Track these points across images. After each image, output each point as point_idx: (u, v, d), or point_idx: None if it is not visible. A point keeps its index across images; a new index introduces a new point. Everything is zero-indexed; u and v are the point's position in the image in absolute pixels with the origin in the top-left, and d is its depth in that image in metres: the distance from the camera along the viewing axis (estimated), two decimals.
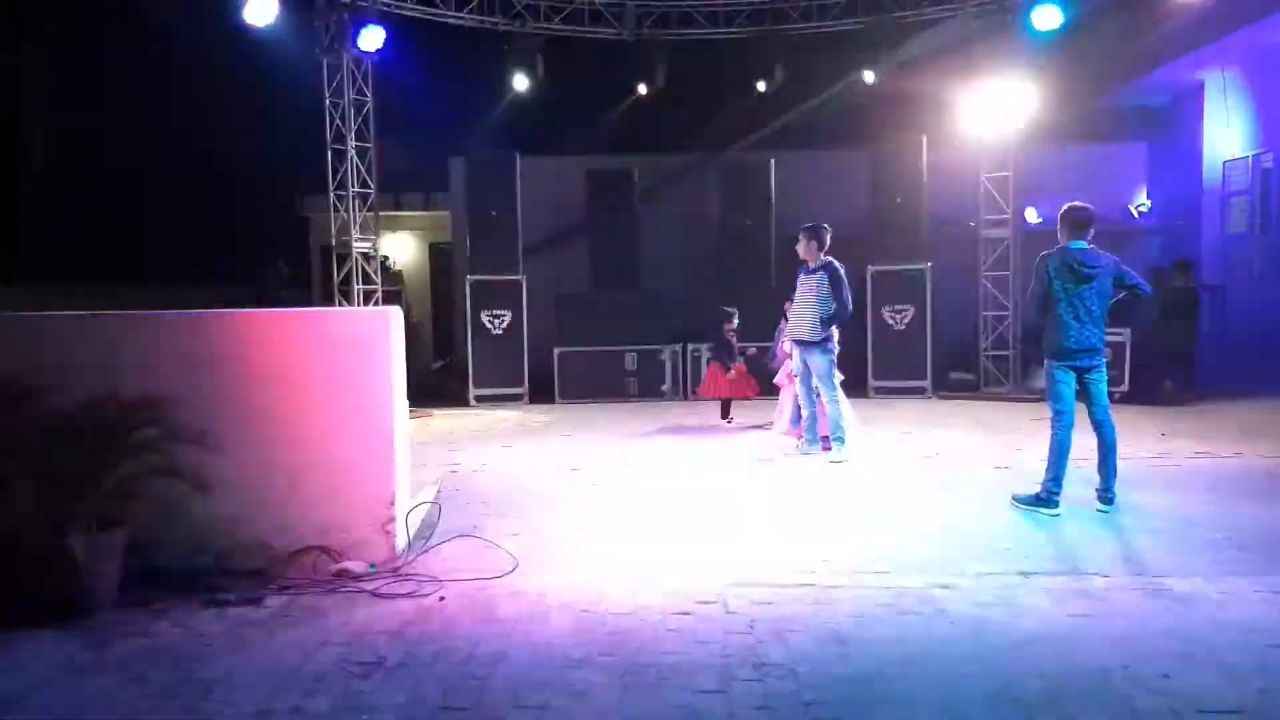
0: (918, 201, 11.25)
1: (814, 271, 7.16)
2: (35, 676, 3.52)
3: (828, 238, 7.27)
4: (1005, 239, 11.32)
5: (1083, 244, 5.53)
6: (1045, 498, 5.57)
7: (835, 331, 7.15)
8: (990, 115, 10.78)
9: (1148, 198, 13.19)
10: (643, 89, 12.38)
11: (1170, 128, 13.57)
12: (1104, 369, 5.64)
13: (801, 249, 7.27)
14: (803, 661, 3.56)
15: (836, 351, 7.18)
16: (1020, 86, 10.46)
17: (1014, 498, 5.75)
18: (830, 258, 7.20)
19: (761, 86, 12.14)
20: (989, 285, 11.44)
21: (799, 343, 7.23)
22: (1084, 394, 5.61)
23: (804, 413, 7.40)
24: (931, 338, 11.04)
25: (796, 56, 12.09)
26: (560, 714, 3.18)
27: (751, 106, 12.66)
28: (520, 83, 11.59)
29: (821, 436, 7.38)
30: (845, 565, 4.69)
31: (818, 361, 7.12)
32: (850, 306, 7.16)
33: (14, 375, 4.26)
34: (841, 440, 7.12)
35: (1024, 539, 5.13)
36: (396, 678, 3.47)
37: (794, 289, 7.39)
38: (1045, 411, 5.79)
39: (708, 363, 9.57)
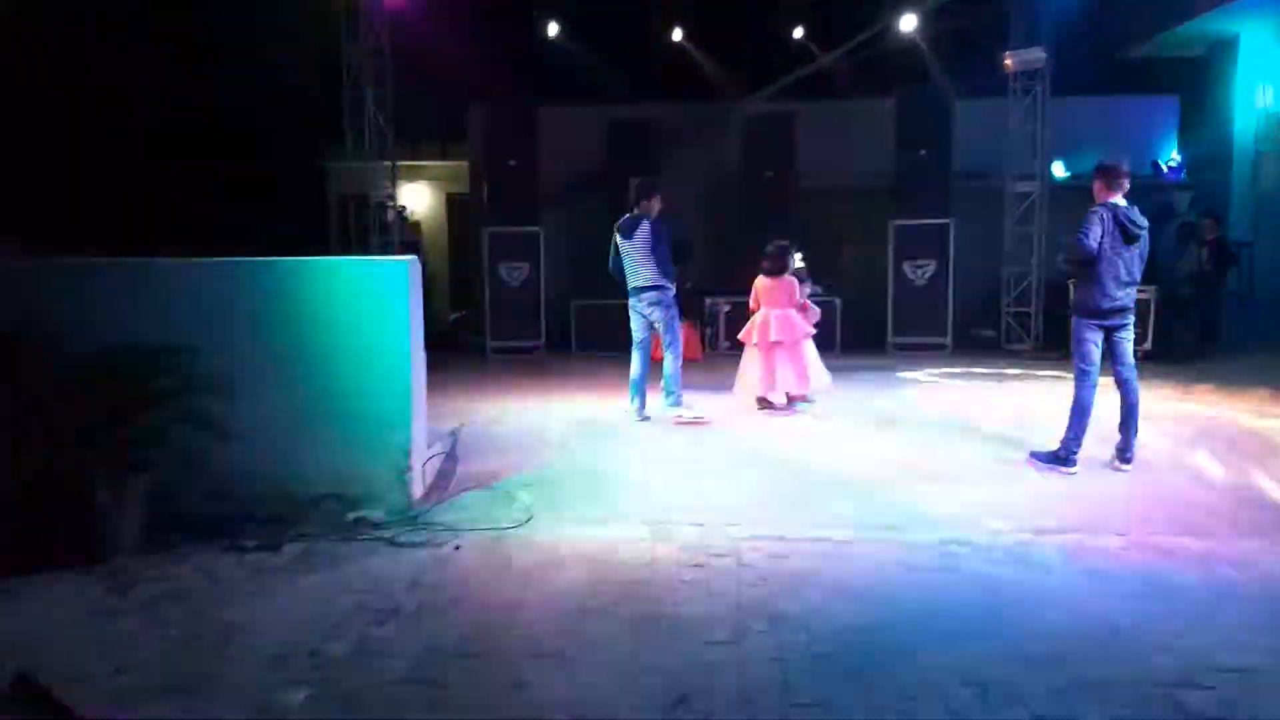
0: (943, 152, 11.09)
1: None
2: (61, 619, 3.61)
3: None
4: (1032, 193, 11.16)
5: (1124, 201, 5.44)
6: (1064, 456, 5.55)
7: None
8: (1018, 66, 10.57)
9: (1178, 152, 12.94)
10: (677, 34, 12.23)
11: (1203, 81, 13.25)
12: (1131, 328, 5.58)
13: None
14: (816, 615, 3.59)
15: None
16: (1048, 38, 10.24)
17: (1032, 455, 5.73)
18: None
19: (799, 33, 11.96)
20: (1013, 241, 11.31)
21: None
22: (1109, 352, 5.57)
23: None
24: (953, 294, 10.95)
25: (823, 3, 11.89)
26: (575, 663, 3.23)
27: (775, 55, 12.48)
28: (552, 28, 11.49)
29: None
30: (859, 521, 4.70)
31: None
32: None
33: (33, 324, 4.30)
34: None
35: (1040, 497, 5.12)
36: (413, 624, 3.53)
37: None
38: (1069, 369, 5.75)
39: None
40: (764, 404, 7.44)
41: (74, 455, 4.09)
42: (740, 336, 7.68)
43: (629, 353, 7.27)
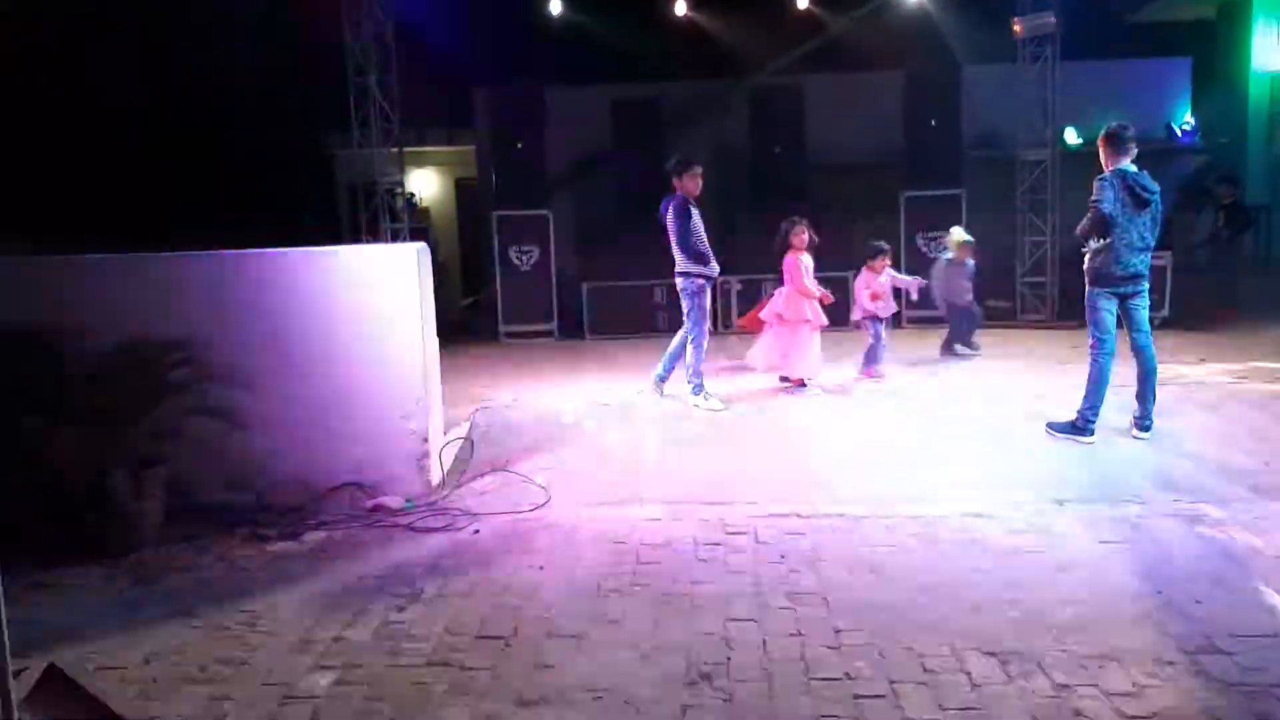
0: (953, 124, 11.00)
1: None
2: (88, 610, 3.66)
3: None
4: (1043, 161, 11.06)
5: (1133, 167, 5.39)
6: (1081, 426, 5.54)
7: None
8: (1027, 31, 10.46)
9: (1191, 115, 12.79)
10: (681, 7, 12.15)
11: (1215, 42, 13.08)
12: (1146, 294, 5.54)
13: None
14: (834, 590, 3.60)
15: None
16: (1058, 1, 10.11)
17: (1049, 425, 5.72)
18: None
19: (802, 3, 11.86)
20: (1026, 210, 11.21)
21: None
22: (1125, 319, 5.53)
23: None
24: None
25: None
26: (596, 642, 3.26)
27: (781, 28, 12.38)
28: (555, 6, 11.46)
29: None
30: (877, 496, 4.71)
31: None
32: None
33: (50, 319, 4.34)
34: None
35: (1059, 467, 5.12)
36: (435, 608, 3.56)
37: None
38: (1085, 339, 5.73)
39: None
40: (782, 380, 7.46)
41: (94, 450, 4.13)
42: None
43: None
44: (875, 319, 7.76)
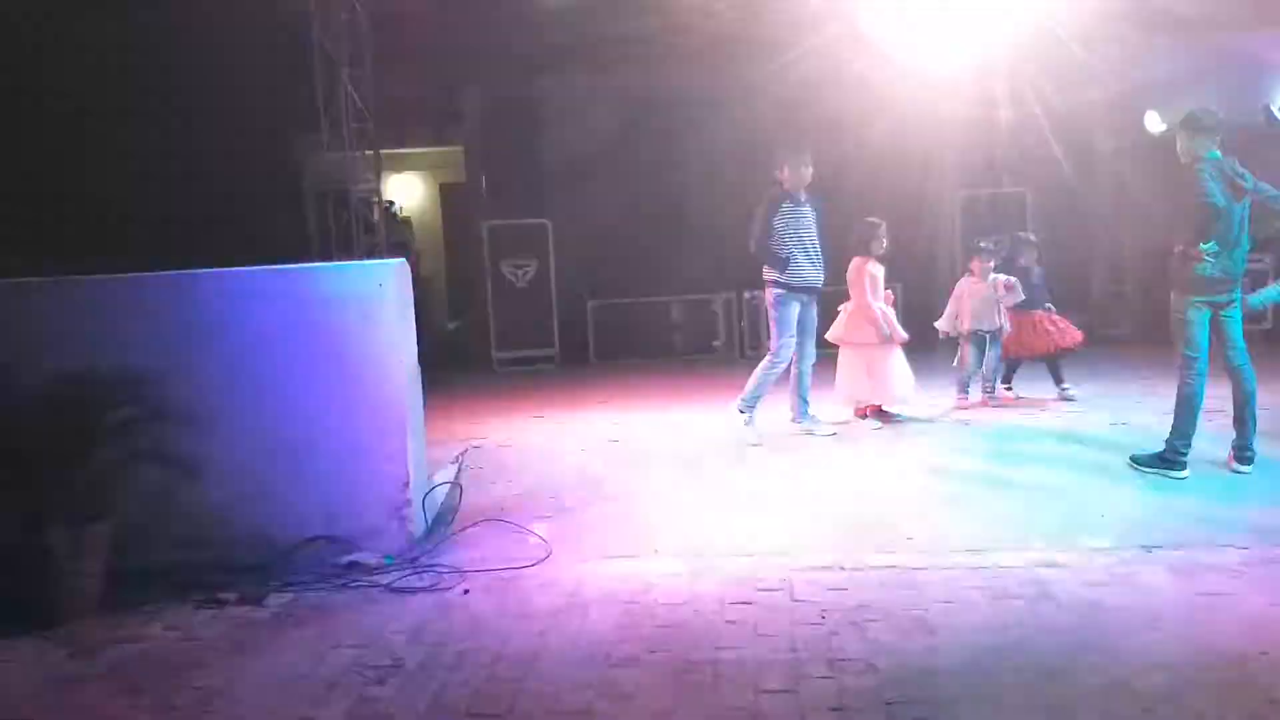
0: (1016, 116, 11.03)
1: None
2: (15, 690, 3.66)
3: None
4: (1123, 150, 11.06)
5: (1218, 152, 5.38)
6: (1170, 458, 5.50)
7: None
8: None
9: None
10: None
11: None
12: (1240, 305, 5.51)
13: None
14: (884, 655, 3.57)
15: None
16: None
17: (1133, 458, 5.68)
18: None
19: None
20: (1102, 208, 11.21)
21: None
22: (1217, 334, 5.50)
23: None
24: None
25: None
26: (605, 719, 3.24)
27: None
28: None
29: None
30: (932, 543, 4.69)
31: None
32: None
33: None
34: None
35: (1145, 506, 5.09)
36: (417, 682, 3.55)
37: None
38: (1172, 358, 5.69)
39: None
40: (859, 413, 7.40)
41: (26, 501, 4.15)
42: None
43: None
44: (981, 334, 7.69)
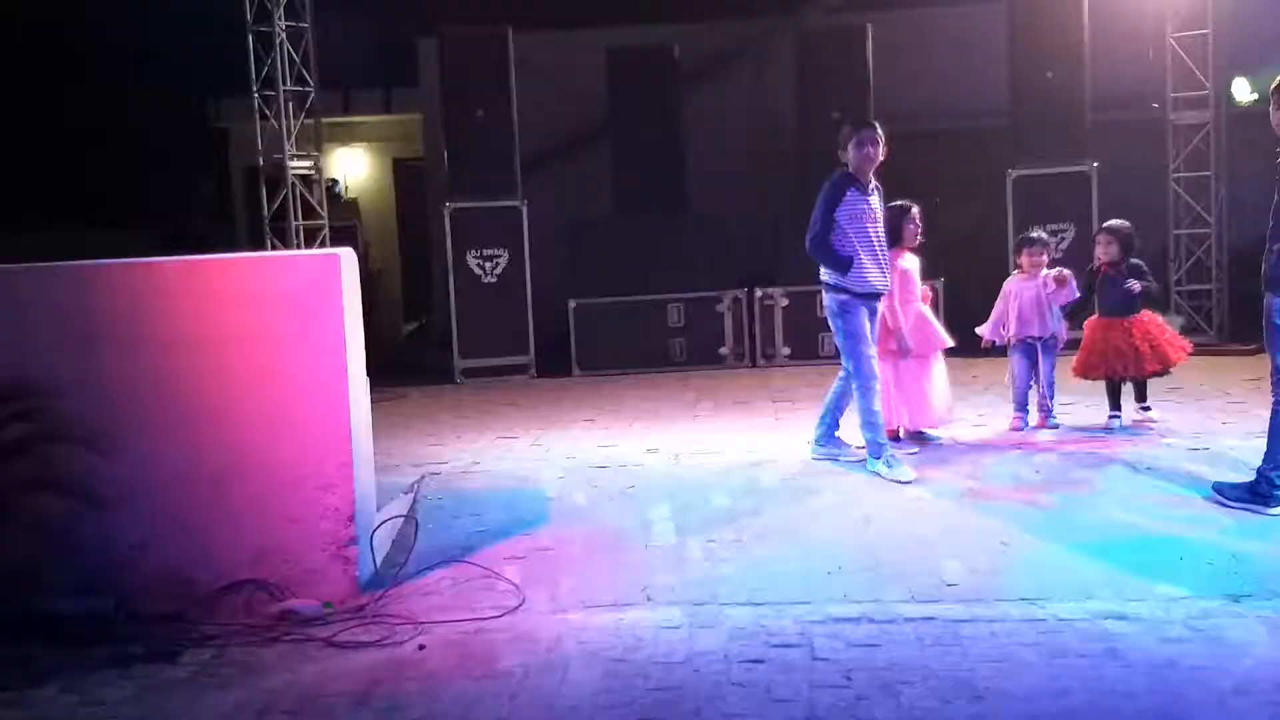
0: (1077, 76, 11.06)
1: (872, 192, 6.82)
2: None
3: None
4: (1204, 125, 11.11)
5: None
6: (1263, 490, 5.50)
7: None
8: None
9: None
10: None
11: None
12: None
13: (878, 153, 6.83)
14: None
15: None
16: None
17: (1217, 490, 5.69)
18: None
19: None
20: (1181, 191, 11.25)
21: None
22: None
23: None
24: None
25: None
26: None
27: None
28: None
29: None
30: (978, 591, 4.69)
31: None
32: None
33: None
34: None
35: (1231, 548, 5.07)
36: None
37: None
38: (1265, 369, 5.71)
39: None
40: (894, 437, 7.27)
41: None
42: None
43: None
44: (1030, 342, 7.58)
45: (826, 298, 6.80)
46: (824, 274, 6.76)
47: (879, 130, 6.76)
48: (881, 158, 6.73)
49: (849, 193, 6.64)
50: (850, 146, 6.68)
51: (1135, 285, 7.31)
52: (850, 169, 6.70)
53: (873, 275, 6.66)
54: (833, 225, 6.64)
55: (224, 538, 4.80)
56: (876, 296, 6.76)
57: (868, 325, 6.69)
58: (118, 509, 4.59)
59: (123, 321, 4.82)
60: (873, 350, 6.73)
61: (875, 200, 6.75)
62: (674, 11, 12.95)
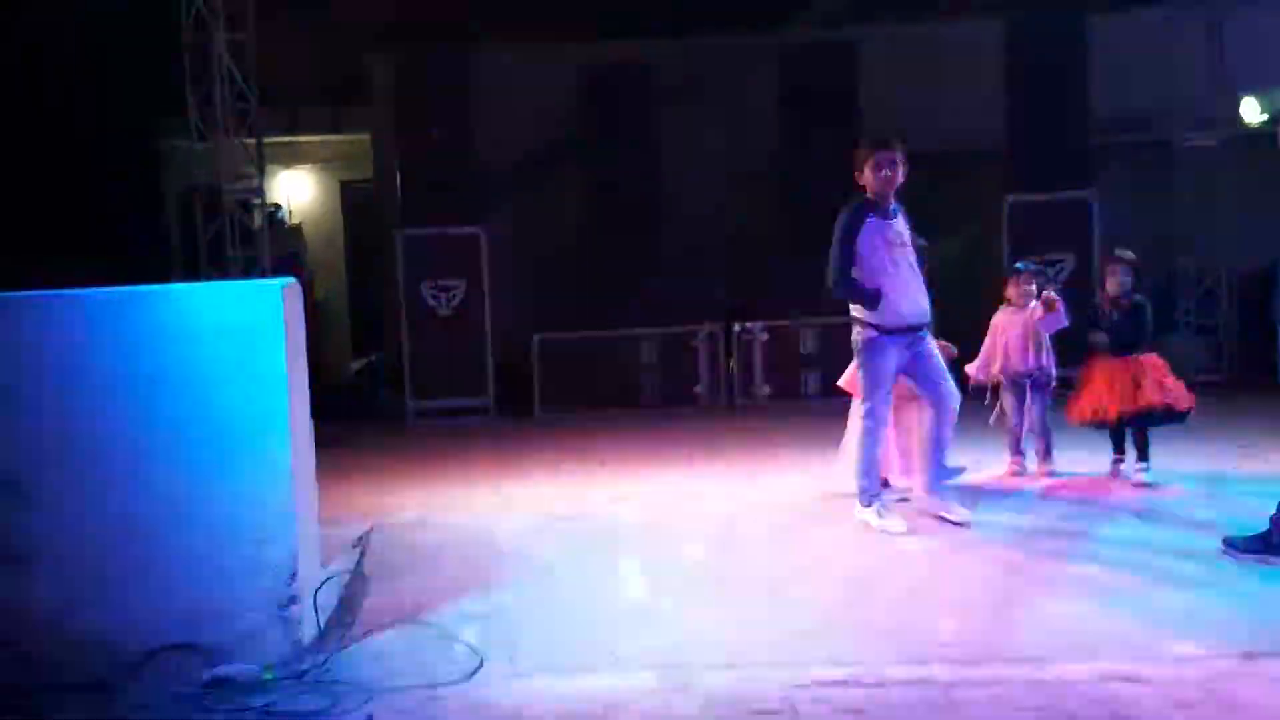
0: (1077, 96, 11.19)
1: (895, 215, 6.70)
2: None
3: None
4: (1213, 148, 11.23)
5: None
6: (1277, 541, 5.54)
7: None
8: None
9: None
10: None
11: None
12: None
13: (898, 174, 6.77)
14: None
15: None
16: None
17: (1228, 543, 5.72)
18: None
19: None
20: (1188, 219, 11.36)
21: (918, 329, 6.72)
22: None
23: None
24: None
25: None
26: None
27: None
28: None
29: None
30: (974, 651, 4.67)
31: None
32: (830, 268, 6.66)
33: None
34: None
35: (1245, 603, 5.11)
36: None
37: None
38: (1274, 411, 5.76)
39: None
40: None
41: None
42: None
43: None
44: (1020, 379, 7.65)
45: (854, 332, 6.67)
46: (853, 308, 6.64)
47: (898, 148, 6.59)
48: (903, 179, 6.59)
49: (869, 220, 6.51)
50: (866, 169, 6.54)
51: (1100, 337, 7.39)
52: (869, 194, 6.57)
53: (905, 307, 6.50)
54: (853, 257, 6.50)
55: (153, 598, 4.73)
56: (913, 330, 6.57)
57: (894, 365, 6.55)
58: (34, 565, 4.53)
59: (42, 360, 4.77)
60: (889, 398, 6.67)
61: (900, 224, 6.61)
62: (650, 27, 13.00)
